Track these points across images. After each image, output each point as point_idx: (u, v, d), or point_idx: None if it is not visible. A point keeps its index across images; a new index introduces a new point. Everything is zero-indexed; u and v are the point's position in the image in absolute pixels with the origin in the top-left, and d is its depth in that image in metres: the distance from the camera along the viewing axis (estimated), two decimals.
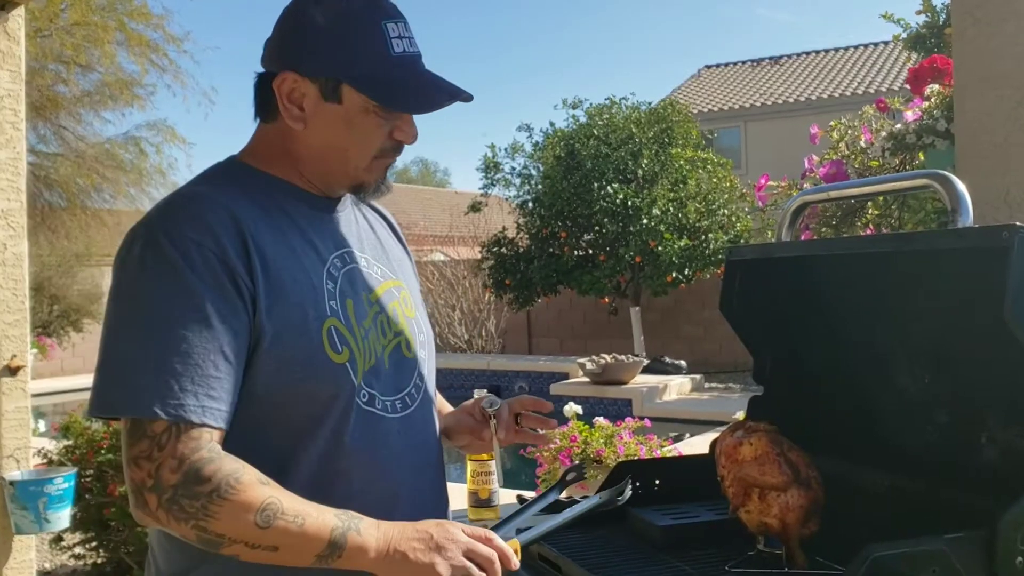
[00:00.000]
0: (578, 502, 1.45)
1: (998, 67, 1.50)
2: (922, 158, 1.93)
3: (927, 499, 1.36)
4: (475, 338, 14.56)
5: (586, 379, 10.32)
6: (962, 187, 1.25)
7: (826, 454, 1.44)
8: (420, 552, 1.17)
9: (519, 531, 1.31)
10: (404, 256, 1.56)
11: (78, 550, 4.71)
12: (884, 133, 2.01)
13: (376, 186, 1.38)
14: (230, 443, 1.20)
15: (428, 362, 1.46)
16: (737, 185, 13.22)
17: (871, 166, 2.07)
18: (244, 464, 1.17)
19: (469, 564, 1.17)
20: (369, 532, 1.17)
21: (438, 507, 1.42)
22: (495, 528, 1.30)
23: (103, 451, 4.44)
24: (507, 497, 1.89)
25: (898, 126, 2.00)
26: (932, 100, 1.91)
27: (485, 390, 1.85)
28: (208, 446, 1.15)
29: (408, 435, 1.36)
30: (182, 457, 1.14)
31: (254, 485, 1.15)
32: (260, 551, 1.15)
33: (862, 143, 2.11)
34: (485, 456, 1.81)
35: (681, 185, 12.87)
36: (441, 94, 1.31)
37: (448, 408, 1.64)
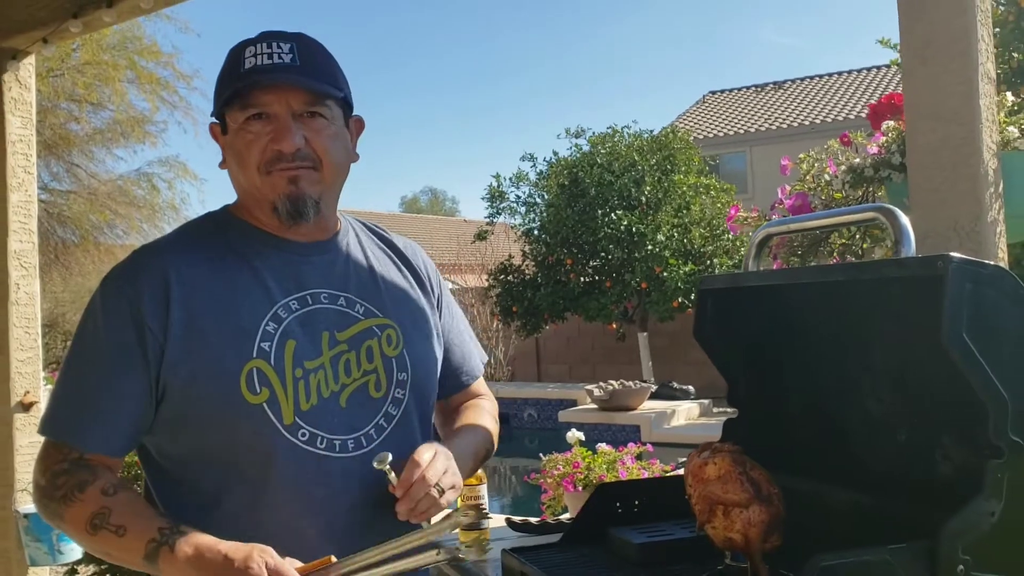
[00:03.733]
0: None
1: (945, 104, 1.59)
2: (884, 191, 2.03)
3: (885, 513, 1.43)
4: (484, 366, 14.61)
5: (594, 406, 10.36)
6: (905, 219, 1.33)
7: (796, 473, 1.52)
8: (222, 573, 1.23)
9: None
10: (415, 292, 1.60)
11: None
12: (844, 167, 2.10)
13: (292, 207, 1.42)
14: (166, 476, 1.40)
15: (411, 401, 1.50)
16: (741, 207, 13.28)
17: (835, 197, 2.15)
18: (98, 478, 1.34)
19: None
20: (181, 548, 1.26)
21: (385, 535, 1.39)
22: (336, 564, 1.29)
23: None
24: (498, 521, 1.97)
25: (857, 160, 2.09)
26: (889, 135, 2.00)
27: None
28: (72, 460, 1.36)
29: (361, 474, 1.41)
30: (46, 467, 1.37)
31: (95, 496, 1.33)
32: (99, 553, 1.34)
33: (827, 176, 2.20)
34: (474, 481, 1.88)
35: (685, 211, 12.97)
36: (260, 76, 1.37)
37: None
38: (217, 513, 1.38)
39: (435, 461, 1.42)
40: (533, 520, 1.76)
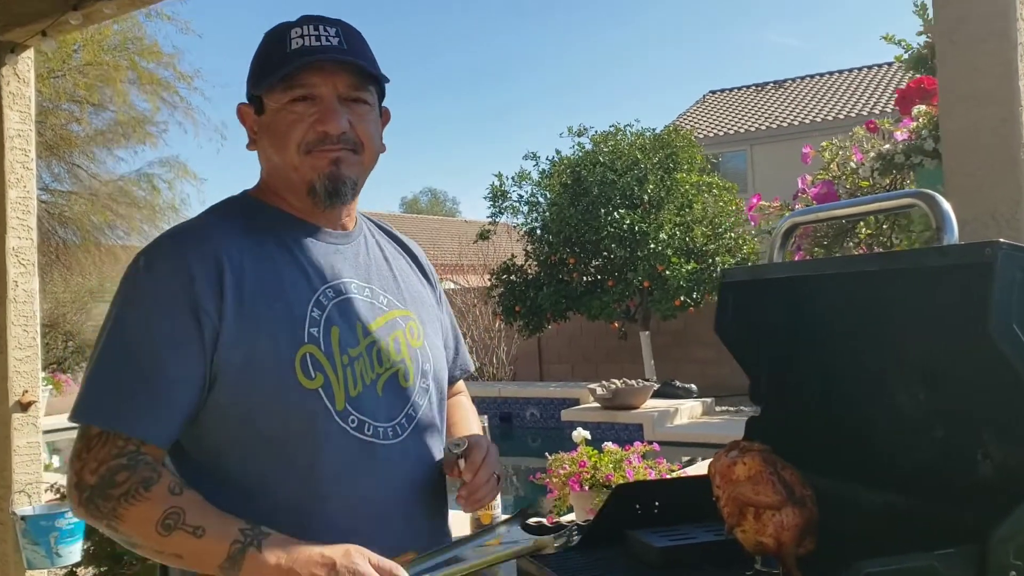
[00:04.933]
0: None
1: (980, 86, 1.52)
2: (913, 177, 1.95)
3: (922, 516, 1.36)
4: (486, 366, 14.56)
5: (597, 404, 10.31)
6: (946, 205, 1.26)
7: (822, 473, 1.45)
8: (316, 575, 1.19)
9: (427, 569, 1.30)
10: (424, 288, 1.60)
11: None
12: (873, 153, 2.02)
13: (331, 187, 1.41)
14: (202, 471, 1.29)
15: (433, 391, 1.49)
16: (743, 208, 13.24)
17: (861, 186, 2.08)
18: (162, 474, 1.25)
19: None
20: (271, 549, 1.21)
21: (432, 531, 1.45)
22: (418, 559, 1.29)
23: None
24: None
25: (887, 146, 2.02)
26: (920, 120, 1.93)
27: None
28: (129, 454, 1.25)
29: (401, 463, 1.40)
30: (102, 460, 1.24)
31: (162, 494, 1.23)
32: (167, 557, 1.24)
33: (852, 164, 2.13)
34: None
35: (687, 209, 12.91)
36: (312, 56, 1.36)
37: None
38: (262, 506, 1.30)
39: (491, 451, 1.48)
40: (547, 522, 1.69)
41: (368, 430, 1.36)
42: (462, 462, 1.42)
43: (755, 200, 2.40)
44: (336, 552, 1.22)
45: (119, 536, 1.25)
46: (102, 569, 4.55)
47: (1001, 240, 1.15)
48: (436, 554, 1.35)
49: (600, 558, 1.55)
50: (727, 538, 1.40)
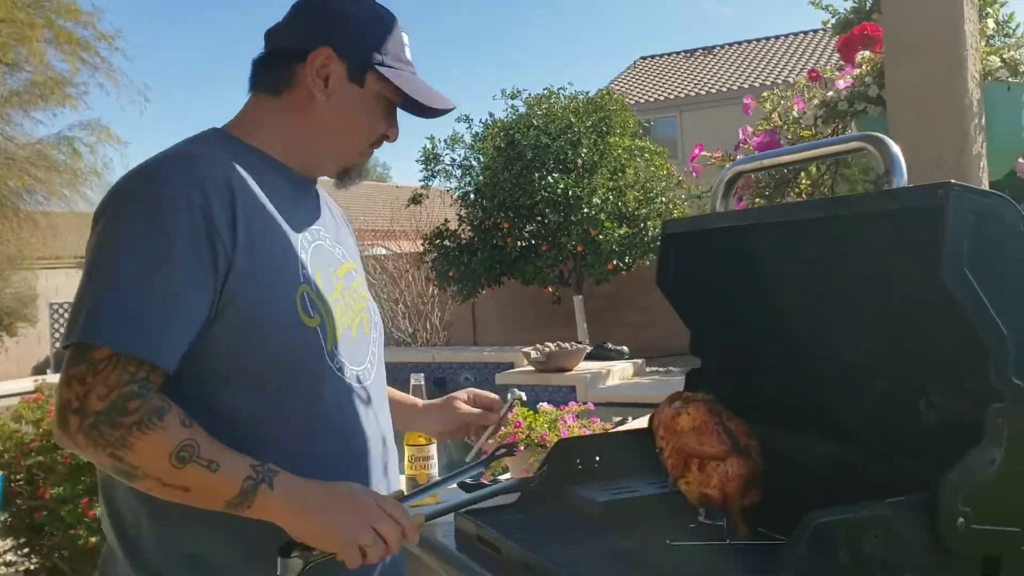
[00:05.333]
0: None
1: (926, 36, 1.49)
2: (855, 128, 1.93)
3: (867, 467, 1.35)
4: (420, 331, 14.46)
5: (531, 367, 10.32)
6: (896, 148, 1.23)
7: (765, 425, 1.42)
8: (329, 514, 1.21)
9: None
10: (354, 245, 1.60)
11: (9, 557, 4.54)
12: (816, 101, 2.00)
13: (359, 172, 1.48)
14: (197, 406, 1.22)
15: (380, 343, 1.51)
16: (674, 173, 13.33)
17: (803, 136, 2.06)
18: (171, 405, 1.20)
19: (374, 535, 1.21)
20: (282, 486, 1.21)
21: (390, 481, 1.44)
22: (405, 498, 1.33)
23: (32, 454, 4.28)
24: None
25: (830, 94, 1.99)
26: (863, 67, 1.91)
27: (421, 375, 1.81)
28: (140, 382, 1.19)
29: (371, 408, 1.42)
30: (112, 386, 1.17)
31: (175, 425, 1.18)
32: (172, 490, 1.19)
33: (795, 113, 2.10)
34: (423, 440, 1.77)
35: (620, 174, 12.93)
36: (443, 103, 1.45)
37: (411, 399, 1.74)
38: (258, 444, 1.25)
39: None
40: (487, 481, 1.65)
41: (348, 373, 1.37)
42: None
43: (697, 151, 2.36)
44: (344, 489, 1.24)
45: (121, 466, 1.17)
46: (20, 540, 4.39)
47: (953, 181, 1.12)
48: (419, 493, 1.45)
49: (541, 515, 1.51)
50: (670, 491, 1.37)
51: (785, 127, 2.12)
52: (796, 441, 1.49)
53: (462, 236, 13.71)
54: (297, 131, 1.42)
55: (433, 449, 1.78)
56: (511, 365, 11.16)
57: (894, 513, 1.08)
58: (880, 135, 1.25)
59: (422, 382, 1.77)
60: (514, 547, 1.32)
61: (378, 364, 1.48)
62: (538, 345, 10.51)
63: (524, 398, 5.02)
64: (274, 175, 1.39)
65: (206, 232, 1.23)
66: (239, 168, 1.32)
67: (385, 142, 1.47)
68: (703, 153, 2.32)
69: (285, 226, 1.35)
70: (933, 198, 1.12)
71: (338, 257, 1.46)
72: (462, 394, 1.66)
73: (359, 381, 1.40)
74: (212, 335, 1.25)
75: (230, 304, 1.25)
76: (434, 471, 1.76)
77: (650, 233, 12.50)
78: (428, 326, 14.53)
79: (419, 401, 1.67)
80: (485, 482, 1.82)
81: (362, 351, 1.43)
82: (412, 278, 14.79)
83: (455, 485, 1.70)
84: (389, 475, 1.42)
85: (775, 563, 1.04)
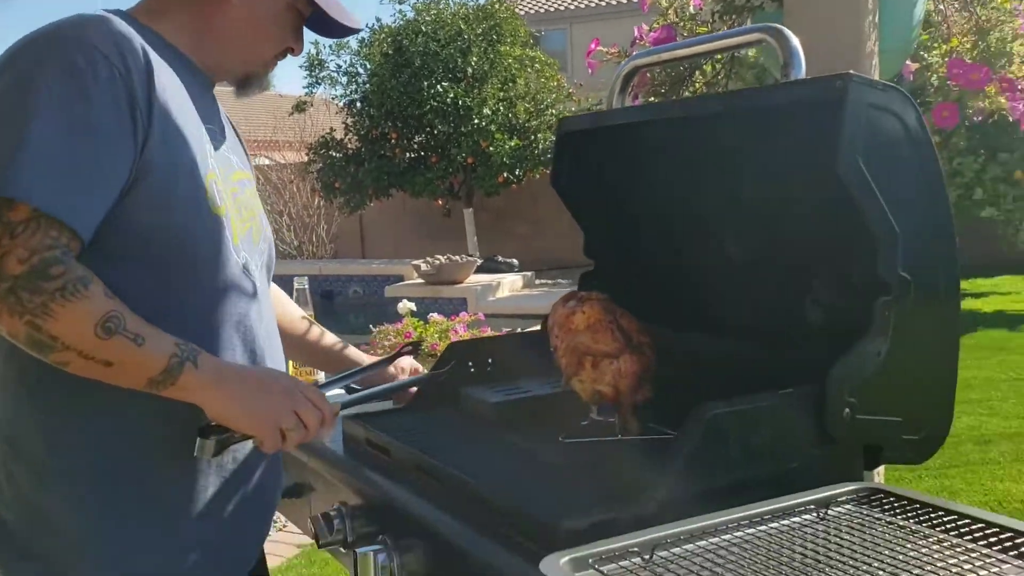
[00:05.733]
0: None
1: None
2: (752, 23, 1.92)
3: (757, 361, 1.36)
4: (305, 244, 14.17)
5: (421, 280, 10.29)
6: (795, 40, 1.21)
7: (658, 323, 1.42)
8: (251, 396, 1.19)
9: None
10: (247, 158, 1.52)
11: None
12: None
13: (261, 83, 1.44)
14: (112, 285, 1.15)
15: (270, 257, 1.46)
16: (564, 85, 13.26)
17: (700, 32, 2.04)
18: (93, 275, 1.12)
19: (296, 419, 1.20)
20: (206, 365, 1.17)
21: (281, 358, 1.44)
22: (321, 387, 1.35)
23: None
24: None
25: None
26: None
27: (305, 279, 1.74)
28: (62, 247, 1.10)
29: (267, 311, 1.38)
30: (34, 250, 1.08)
31: (100, 295, 1.11)
32: (92, 364, 1.12)
33: (691, 9, 2.08)
34: None
35: (511, 84, 12.77)
36: (353, 21, 1.41)
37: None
38: (169, 326, 1.18)
39: None
40: (375, 388, 1.60)
41: (249, 272, 1.32)
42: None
43: (592, 45, 2.30)
44: (268, 373, 1.24)
45: (39, 336, 1.08)
46: None
47: (852, 72, 1.11)
48: (335, 383, 1.47)
49: (433, 417, 1.48)
50: (563, 390, 1.35)
51: (681, 24, 2.09)
52: (687, 338, 1.50)
53: (349, 146, 13.37)
54: (204, 28, 1.34)
55: None
56: (401, 278, 11.09)
57: (784, 405, 1.09)
58: (779, 26, 1.23)
59: (306, 285, 1.70)
60: (404, 448, 1.29)
61: (268, 277, 1.44)
62: (428, 258, 10.46)
63: (414, 309, 4.96)
64: (177, 63, 1.31)
65: (127, 100, 1.16)
66: (149, 46, 1.23)
67: (289, 55, 1.43)
68: (599, 48, 2.27)
69: (194, 113, 1.28)
70: (832, 89, 1.11)
71: (234, 164, 1.40)
72: (404, 361, 1.63)
73: (260, 282, 1.35)
74: (120, 210, 1.17)
75: (142, 178, 1.18)
76: (319, 375, 1.70)
77: (540, 146, 12.46)
78: (314, 238, 14.25)
79: (364, 358, 1.64)
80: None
81: (257, 256, 1.38)
82: (297, 189, 14.40)
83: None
84: (276, 367, 1.38)
85: (667, 456, 1.04)
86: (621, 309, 1.32)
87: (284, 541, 3.58)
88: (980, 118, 2.01)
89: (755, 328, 1.46)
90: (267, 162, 15.87)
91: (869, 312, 1.14)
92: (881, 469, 1.79)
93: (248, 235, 1.34)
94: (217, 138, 1.35)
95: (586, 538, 0.94)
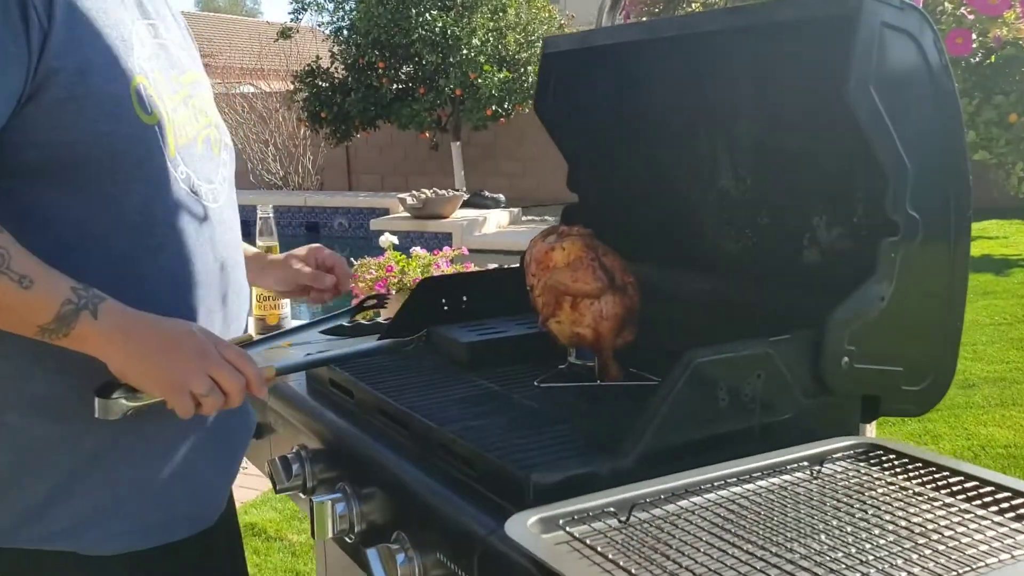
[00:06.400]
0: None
1: None
2: None
3: (748, 304, 1.27)
4: (291, 174, 13.94)
5: (406, 214, 10.16)
6: None
7: (643, 261, 1.32)
8: (158, 353, 1.04)
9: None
10: (200, 64, 1.35)
11: None
12: None
13: None
14: (13, 212, 1.03)
15: (230, 168, 1.31)
16: (556, 17, 12.95)
17: None
18: None
19: (210, 384, 1.05)
20: (107, 316, 1.02)
21: (240, 314, 1.27)
22: (253, 344, 1.16)
23: None
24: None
25: None
26: None
27: (270, 207, 1.63)
28: None
29: (223, 231, 1.22)
30: None
31: None
32: None
33: None
34: None
35: (501, 14, 12.46)
36: None
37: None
38: (86, 258, 1.06)
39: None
40: (345, 322, 1.51)
41: (194, 186, 1.17)
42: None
43: None
44: (181, 329, 1.06)
45: None
46: None
47: None
48: (269, 340, 1.24)
49: (403, 357, 1.39)
50: (540, 331, 1.26)
51: None
52: (674, 277, 1.41)
53: (335, 75, 13.07)
54: None
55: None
56: (386, 211, 10.95)
57: (777, 351, 1.00)
58: None
59: (270, 214, 1.58)
60: (368, 391, 1.20)
61: (228, 189, 1.29)
62: (414, 191, 10.31)
63: (396, 242, 4.88)
64: None
65: (19, 4, 1.02)
66: None
67: None
68: None
69: (120, 9, 1.14)
70: (844, 6, 1.00)
71: (185, 64, 1.26)
72: (302, 251, 1.45)
73: (210, 199, 1.20)
74: (24, 122, 1.04)
75: (47, 84, 1.04)
76: (286, 311, 1.61)
77: (530, 79, 12.19)
78: (300, 169, 14.01)
79: (266, 256, 1.46)
80: (364, 323, 1.68)
81: (211, 169, 1.23)
82: (283, 118, 14.10)
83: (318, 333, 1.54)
84: (228, 307, 1.23)
85: (648, 406, 0.95)
86: (604, 246, 1.23)
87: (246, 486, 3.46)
88: (996, 46, 1.90)
89: (748, 268, 1.37)
90: (252, 90, 15.54)
91: (873, 254, 1.04)
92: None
93: (196, 144, 1.20)
94: (161, 35, 1.21)
95: (558, 494, 0.86)
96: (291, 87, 13.63)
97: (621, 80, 1.49)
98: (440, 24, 11.88)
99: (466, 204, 10.82)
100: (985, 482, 0.85)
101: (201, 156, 1.21)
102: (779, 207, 1.35)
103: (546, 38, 1.53)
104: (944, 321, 1.12)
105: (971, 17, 1.77)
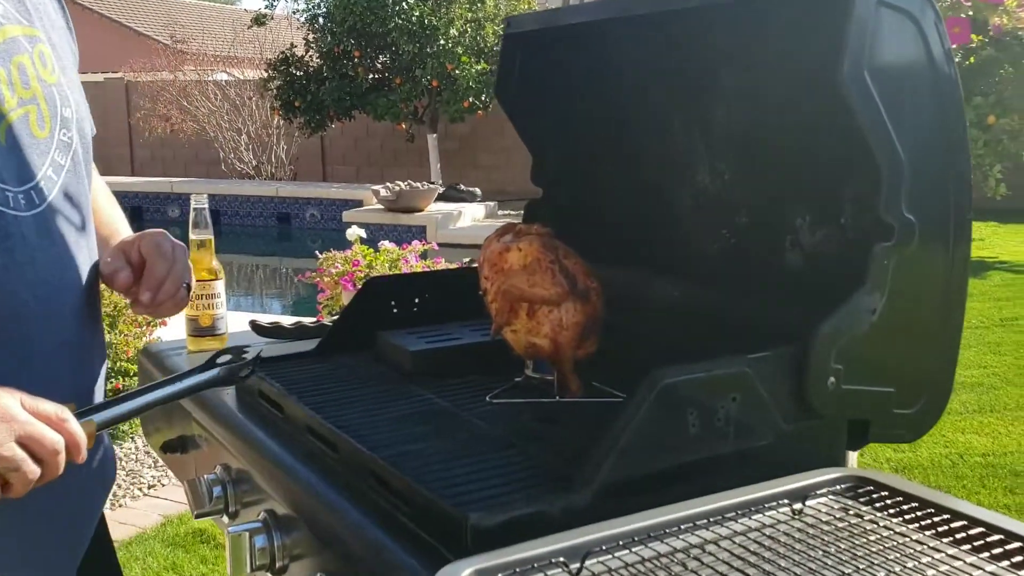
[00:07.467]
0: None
1: None
2: None
3: (723, 313, 1.15)
4: (264, 164, 13.72)
5: (380, 206, 10.02)
6: None
7: (610, 264, 1.20)
8: None
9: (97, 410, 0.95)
10: (56, 10, 1.13)
11: None
12: None
13: None
14: None
15: (79, 148, 1.08)
16: (535, 7, 12.81)
17: None
18: None
19: (21, 455, 0.84)
20: None
21: (84, 341, 1.08)
22: (87, 412, 0.93)
23: None
24: (239, 323, 1.56)
25: None
26: None
27: (204, 196, 1.48)
28: None
29: (40, 243, 1.00)
30: None
31: None
32: None
33: None
34: (208, 275, 1.46)
35: (479, 4, 12.32)
36: None
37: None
38: None
39: (177, 255, 1.10)
40: (287, 323, 1.37)
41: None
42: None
43: None
44: None
45: None
46: None
47: None
48: (114, 404, 0.95)
49: (343, 365, 1.26)
50: (494, 339, 1.14)
51: None
52: (643, 282, 1.29)
53: (310, 63, 12.87)
54: None
55: (220, 286, 1.47)
56: (360, 203, 10.80)
57: (755, 371, 0.88)
58: None
59: (204, 205, 1.44)
60: (298, 406, 1.07)
61: (68, 177, 1.05)
62: (388, 184, 10.17)
63: (364, 235, 4.68)
64: None
65: None
66: None
67: None
68: None
69: None
70: None
71: None
72: (132, 236, 1.17)
73: (20, 206, 0.98)
74: None
75: None
76: (221, 310, 1.47)
77: None
78: (273, 159, 13.79)
79: (113, 240, 1.18)
80: (307, 324, 1.53)
81: (33, 161, 1.00)
82: (256, 107, 13.88)
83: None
84: (71, 334, 1.03)
85: (610, 431, 0.83)
86: (566, 247, 1.10)
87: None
88: (995, 34, 1.80)
89: (725, 273, 1.25)
90: (226, 77, 15.28)
91: (862, 260, 0.93)
92: None
93: (11, 132, 0.98)
94: None
95: (501, 538, 0.74)
96: (264, 75, 13.42)
97: (591, 63, 1.37)
98: (417, 13, 11.72)
99: (441, 197, 10.69)
100: (992, 528, 0.74)
101: (8, 149, 0.98)
102: (760, 205, 1.23)
103: (509, 17, 1.40)
104: (940, 336, 1.01)
105: (967, 3, 1.68)
